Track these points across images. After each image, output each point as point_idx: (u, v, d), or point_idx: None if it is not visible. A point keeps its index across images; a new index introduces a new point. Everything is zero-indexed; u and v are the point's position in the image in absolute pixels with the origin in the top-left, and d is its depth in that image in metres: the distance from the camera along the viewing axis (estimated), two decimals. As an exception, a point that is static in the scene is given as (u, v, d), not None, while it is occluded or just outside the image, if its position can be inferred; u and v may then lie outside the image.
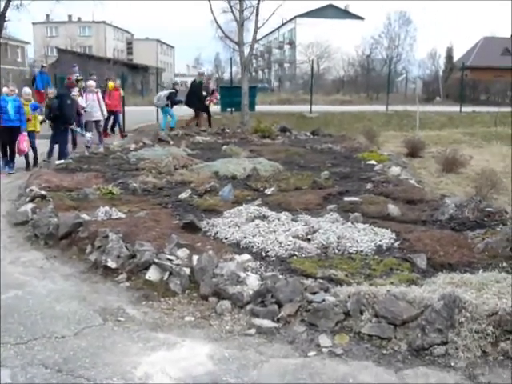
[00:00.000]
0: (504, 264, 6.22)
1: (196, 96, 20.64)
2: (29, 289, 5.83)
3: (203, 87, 20.88)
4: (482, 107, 32.05)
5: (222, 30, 24.69)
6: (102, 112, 16.47)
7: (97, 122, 16.35)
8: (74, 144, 15.72)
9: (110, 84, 19.14)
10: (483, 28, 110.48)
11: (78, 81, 17.12)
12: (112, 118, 19.11)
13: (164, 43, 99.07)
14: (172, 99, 19.69)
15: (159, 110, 21.03)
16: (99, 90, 17.04)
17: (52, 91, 14.35)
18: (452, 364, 4.28)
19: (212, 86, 21.83)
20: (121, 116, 19.94)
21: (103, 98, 17.15)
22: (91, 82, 16.68)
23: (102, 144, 16.10)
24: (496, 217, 7.93)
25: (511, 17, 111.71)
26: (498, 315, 4.46)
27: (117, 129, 19.69)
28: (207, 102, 20.93)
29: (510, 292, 4.94)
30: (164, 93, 20.29)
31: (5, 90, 13.27)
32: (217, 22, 23.85)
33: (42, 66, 23.49)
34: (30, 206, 8.48)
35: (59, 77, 24.57)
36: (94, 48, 77.09)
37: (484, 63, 52.71)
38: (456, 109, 30.71)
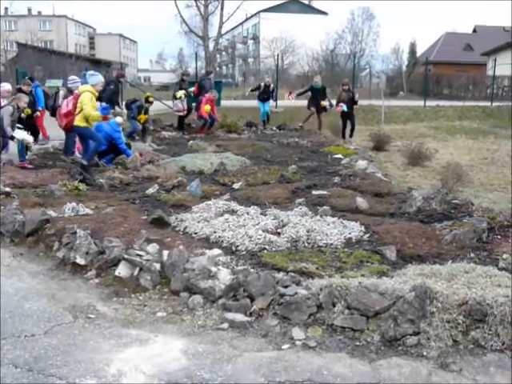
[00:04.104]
0: (472, 255, 6.35)
1: (317, 99, 21.01)
2: (-4, 287, 5.69)
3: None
4: (446, 101, 32.52)
5: (186, 25, 24.71)
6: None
7: None
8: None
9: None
10: (445, 24, 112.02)
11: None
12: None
13: (127, 38, 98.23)
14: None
15: None
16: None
17: None
18: (424, 353, 4.32)
19: None
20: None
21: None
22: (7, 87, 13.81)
23: None
24: (462, 209, 8.05)
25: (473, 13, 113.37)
26: (468, 305, 4.52)
27: None
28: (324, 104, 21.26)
29: (478, 282, 5.03)
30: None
31: None
32: (182, 17, 23.80)
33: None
34: (-7, 203, 8.30)
35: (21, 71, 24.07)
36: (55, 43, 75.74)
37: (446, 58, 53.79)
38: (420, 103, 31.08)
